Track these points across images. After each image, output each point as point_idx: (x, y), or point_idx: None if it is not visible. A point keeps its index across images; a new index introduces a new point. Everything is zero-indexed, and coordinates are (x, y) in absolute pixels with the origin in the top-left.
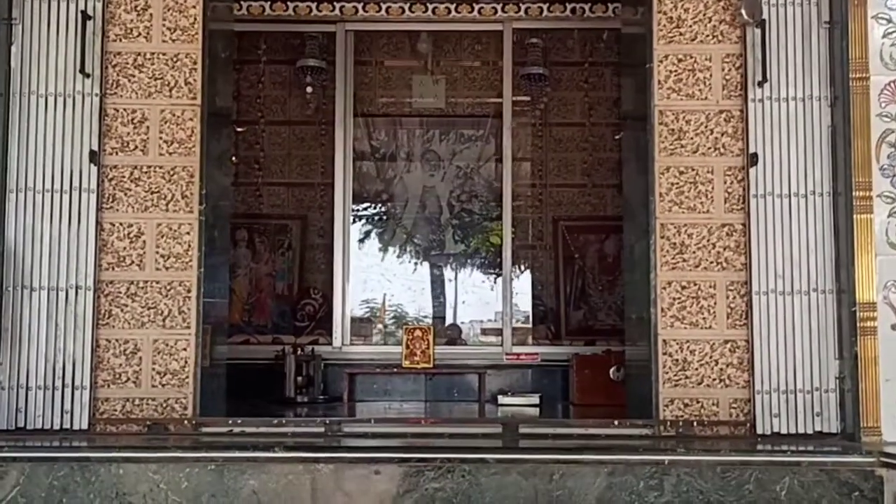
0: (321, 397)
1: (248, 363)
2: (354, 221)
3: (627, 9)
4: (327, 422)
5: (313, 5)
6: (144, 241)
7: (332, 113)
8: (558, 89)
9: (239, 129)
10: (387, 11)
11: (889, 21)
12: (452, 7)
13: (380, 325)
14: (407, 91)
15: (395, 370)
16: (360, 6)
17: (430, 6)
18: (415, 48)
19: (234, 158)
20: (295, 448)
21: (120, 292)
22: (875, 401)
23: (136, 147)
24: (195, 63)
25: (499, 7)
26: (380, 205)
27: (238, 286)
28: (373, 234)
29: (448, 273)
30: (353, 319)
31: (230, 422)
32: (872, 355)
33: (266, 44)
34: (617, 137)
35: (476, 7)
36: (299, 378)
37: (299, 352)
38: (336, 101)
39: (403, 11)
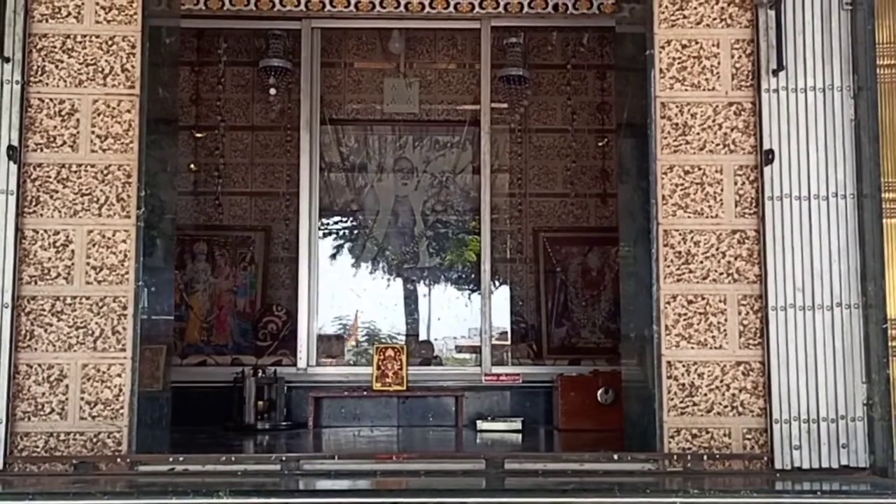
0: (283, 423)
1: (205, 386)
2: (324, 235)
3: None
4: (284, 458)
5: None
6: (73, 251)
7: (298, 118)
8: (539, 93)
9: (198, 135)
10: (356, 7)
11: None
12: (427, 2)
13: (351, 343)
14: (378, 95)
15: (365, 393)
16: (327, 1)
17: (403, 1)
18: (386, 48)
19: (192, 166)
20: (244, 492)
21: (44, 310)
22: None
23: (65, 143)
24: (133, 47)
25: (476, 2)
26: (349, 217)
27: (196, 303)
28: (344, 249)
29: (422, 288)
30: (322, 338)
31: (171, 459)
32: None
33: (227, 43)
34: (601, 144)
35: (452, 2)
36: (260, 402)
37: (260, 373)
38: (302, 106)
39: (374, 7)
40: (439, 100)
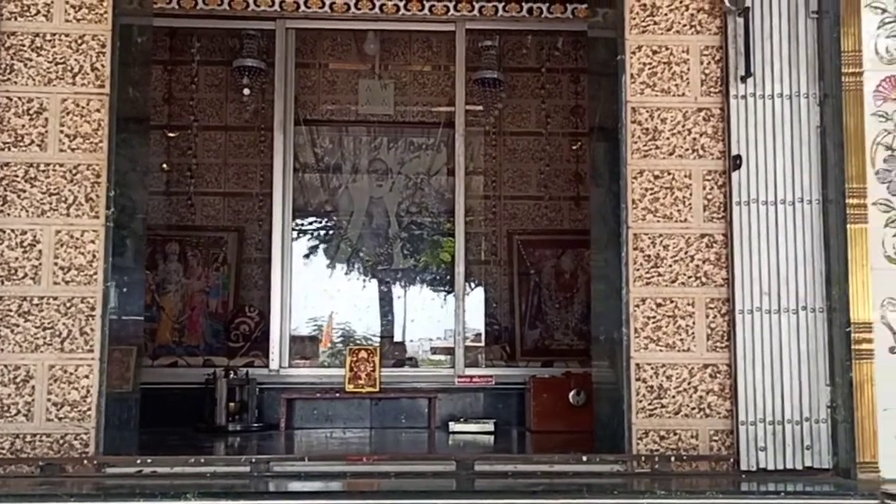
0: (255, 425)
1: (176, 388)
2: (298, 236)
3: None
4: (254, 460)
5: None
6: (40, 251)
7: (272, 118)
8: (513, 96)
9: (170, 135)
10: (331, 8)
11: (884, 10)
12: (402, 4)
13: (326, 345)
14: (353, 96)
15: (338, 395)
16: (301, 1)
17: (378, 3)
18: (361, 50)
19: (164, 166)
20: (212, 494)
21: (10, 310)
22: (872, 432)
23: (33, 142)
24: (103, 46)
25: (451, 5)
26: (324, 218)
27: (167, 303)
28: (319, 250)
29: (397, 290)
30: (296, 339)
31: (139, 461)
32: (868, 381)
33: (200, 42)
34: (575, 147)
35: (427, 5)
36: (231, 404)
37: (232, 375)
38: (276, 106)
39: (349, 8)
40: (414, 101)
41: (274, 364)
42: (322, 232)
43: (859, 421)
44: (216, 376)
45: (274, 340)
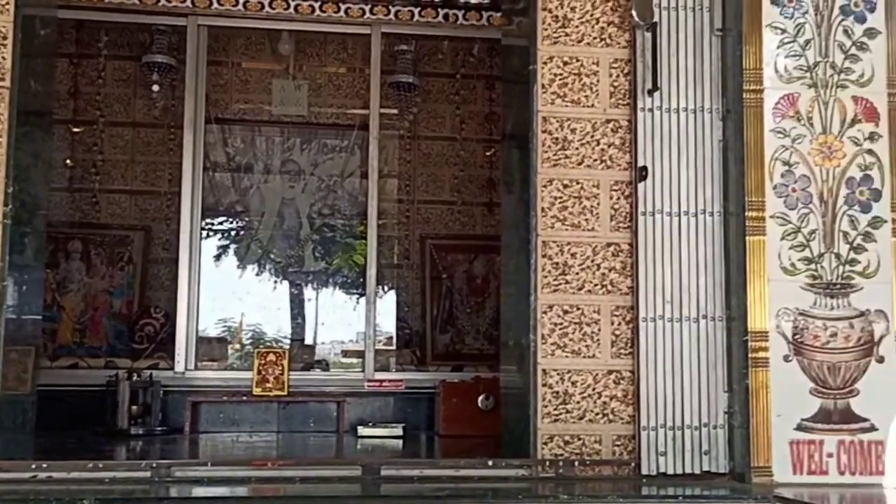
0: (159, 429)
1: (77, 390)
2: (207, 236)
3: (509, 7)
4: (154, 465)
5: None
6: None
7: (182, 116)
8: (428, 101)
9: (75, 130)
10: (244, 6)
11: (784, 31)
12: (317, 5)
13: (236, 347)
14: (266, 96)
15: (245, 398)
16: None
17: (293, 3)
18: (276, 49)
19: (68, 161)
20: (111, 500)
21: None
22: (766, 438)
23: None
24: (4, 38)
25: (367, 8)
26: (234, 218)
27: (69, 303)
28: (229, 250)
29: (309, 292)
30: (204, 341)
31: (34, 466)
32: (764, 388)
33: (108, 36)
34: (488, 154)
35: (343, 7)
36: (134, 407)
37: (135, 377)
38: (186, 103)
39: (263, 7)
40: (328, 103)
41: (179, 366)
42: (232, 232)
43: (754, 427)
44: (118, 378)
45: (180, 342)
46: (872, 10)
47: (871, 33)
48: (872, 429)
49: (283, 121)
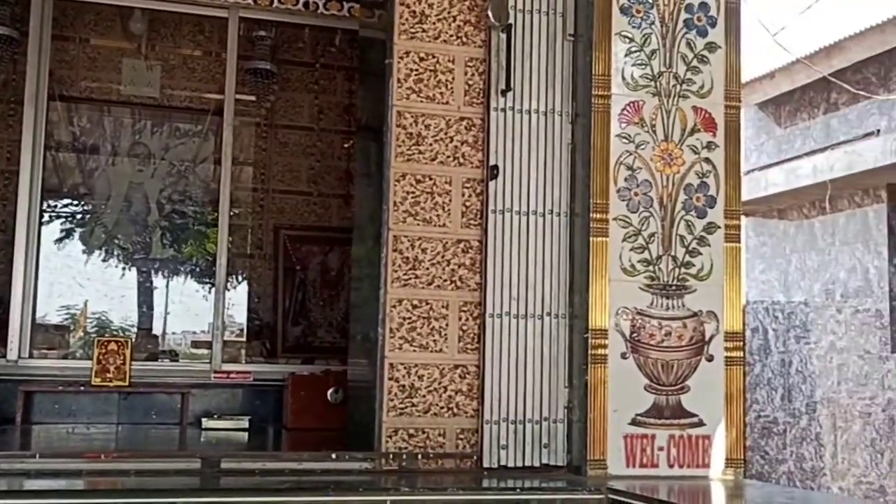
0: None
1: None
2: (49, 219)
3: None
4: None
5: None
6: None
7: (23, 91)
8: (286, 89)
9: None
10: None
11: (632, 40)
12: None
13: (79, 335)
14: (116, 75)
15: (83, 388)
16: None
17: None
18: (127, 28)
19: None
20: None
21: None
22: (602, 432)
23: None
24: None
25: None
26: (79, 200)
27: None
28: (74, 234)
29: (158, 280)
30: (42, 328)
31: None
32: (602, 384)
33: None
34: (346, 146)
35: None
36: None
37: None
38: (28, 78)
39: None
40: (182, 86)
41: (12, 354)
42: (77, 215)
43: (592, 421)
44: None
45: (14, 329)
46: (713, 25)
47: (711, 47)
48: (701, 424)
49: (133, 101)
